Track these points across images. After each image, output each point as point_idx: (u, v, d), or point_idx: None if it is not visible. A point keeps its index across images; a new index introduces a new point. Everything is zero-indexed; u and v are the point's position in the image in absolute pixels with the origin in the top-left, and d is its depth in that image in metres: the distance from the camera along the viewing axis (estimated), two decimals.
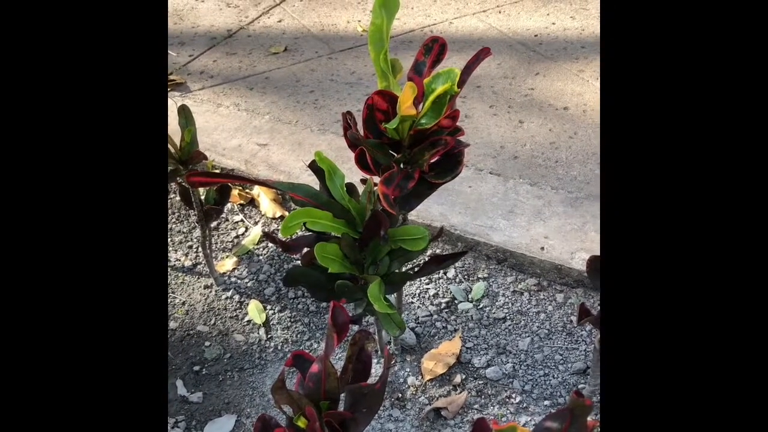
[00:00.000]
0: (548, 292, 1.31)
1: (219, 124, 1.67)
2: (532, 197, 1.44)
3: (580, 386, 1.18)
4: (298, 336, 1.27)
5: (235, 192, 1.50)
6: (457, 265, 1.36)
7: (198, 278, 1.38)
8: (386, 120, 0.94)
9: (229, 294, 1.34)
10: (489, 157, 1.54)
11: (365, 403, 0.79)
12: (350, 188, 1.00)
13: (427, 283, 1.34)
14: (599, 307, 1.02)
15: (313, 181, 1.05)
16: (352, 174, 1.04)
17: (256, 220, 1.48)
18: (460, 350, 1.22)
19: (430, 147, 0.94)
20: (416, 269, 1.06)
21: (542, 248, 1.33)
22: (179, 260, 1.41)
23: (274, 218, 1.47)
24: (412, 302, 1.31)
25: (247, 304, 1.32)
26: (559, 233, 1.36)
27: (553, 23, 1.96)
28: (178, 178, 1.18)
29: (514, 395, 1.17)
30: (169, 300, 1.34)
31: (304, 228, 0.95)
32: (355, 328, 1.18)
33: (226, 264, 1.39)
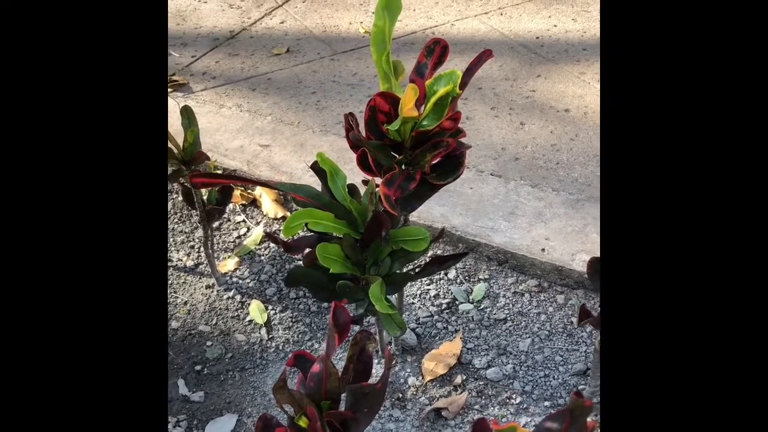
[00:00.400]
0: (549, 294, 1.32)
1: (221, 124, 1.67)
2: (533, 199, 1.44)
3: (580, 387, 1.18)
4: (300, 336, 1.28)
5: (237, 192, 1.50)
6: (458, 266, 1.36)
7: (200, 278, 1.38)
8: (388, 121, 0.95)
9: (230, 294, 1.35)
10: (490, 159, 1.55)
11: (366, 403, 0.79)
12: (352, 189, 1.00)
13: (428, 284, 1.35)
14: (599, 309, 1.02)
15: (314, 182, 1.06)
16: (354, 175, 1.05)
17: (258, 220, 1.48)
18: (461, 351, 1.23)
19: (431, 148, 0.95)
20: (417, 270, 1.06)
21: (543, 250, 1.34)
22: (181, 260, 1.41)
23: (275, 219, 1.48)
24: (413, 303, 1.32)
25: (249, 304, 1.33)
26: (560, 235, 1.36)
27: (555, 25, 1.96)
28: (180, 179, 1.19)
29: (514, 396, 1.17)
30: (170, 300, 1.35)
31: (305, 228, 0.96)
32: (356, 328, 1.19)
33: (227, 264, 1.40)
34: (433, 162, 0.97)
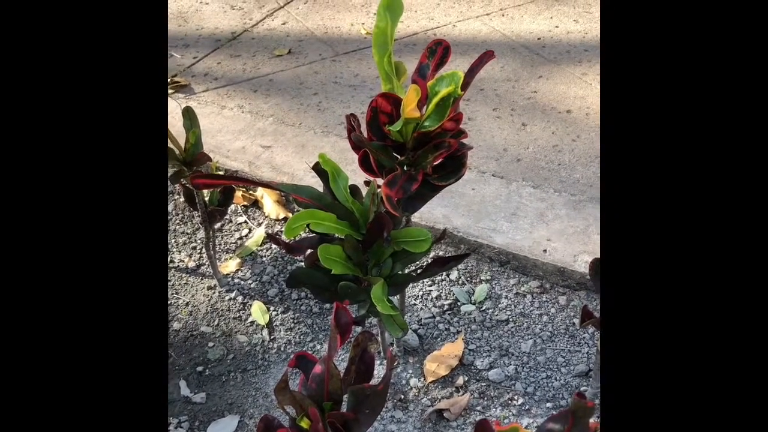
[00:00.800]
0: (551, 295, 1.32)
1: (223, 125, 1.67)
2: (535, 200, 1.44)
3: (582, 388, 1.18)
4: (301, 337, 1.28)
5: (238, 193, 1.50)
6: (459, 267, 1.36)
7: (201, 279, 1.38)
8: (390, 122, 0.95)
9: (232, 295, 1.35)
10: (492, 160, 1.55)
11: (368, 404, 0.79)
12: (354, 190, 1.00)
13: (430, 285, 1.34)
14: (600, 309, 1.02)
15: (316, 183, 1.06)
16: (356, 176, 1.05)
17: (260, 221, 1.48)
18: (463, 352, 1.23)
19: (433, 149, 0.95)
20: (419, 271, 1.06)
21: (545, 251, 1.34)
22: (183, 261, 1.42)
23: (277, 220, 1.48)
24: (415, 304, 1.32)
25: (251, 305, 1.33)
26: (561, 236, 1.36)
27: (557, 26, 1.96)
28: (182, 180, 1.19)
29: (516, 397, 1.17)
30: (172, 301, 1.35)
31: (307, 229, 0.96)
32: (358, 329, 1.18)
33: (229, 265, 1.40)
34: (435, 163, 0.97)
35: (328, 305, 1.32)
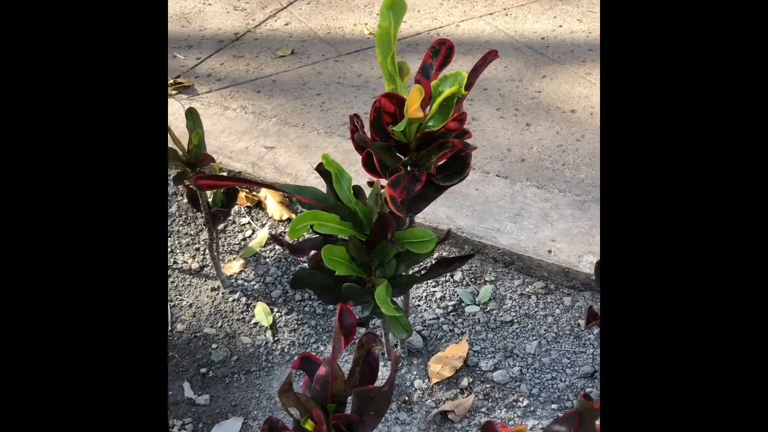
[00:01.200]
0: (556, 296, 1.31)
1: (226, 126, 1.67)
2: (539, 200, 1.44)
3: (587, 390, 1.17)
4: (305, 339, 1.27)
5: (242, 194, 1.50)
6: (464, 268, 1.36)
7: (205, 281, 1.38)
8: (393, 123, 0.94)
9: (236, 296, 1.35)
10: (496, 160, 1.54)
11: (372, 405, 0.79)
12: (357, 191, 1.00)
13: (434, 286, 1.34)
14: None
15: (319, 184, 1.05)
16: (359, 177, 1.04)
17: (263, 222, 1.48)
18: (467, 353, 1.22)
19: (437, 150, 0.94)
20: (423, 272, 1.06)
21: (549, 251, 1.33)
22: (186, 263, 1.41)
23: (281, 221, 1.48)
24: (419, 305, 1.31)
25: (254, 306, 1.32)
26: (566, 236, 1.35)
27: (561, 26, 1.95)
28: (185, 181, 1.19)
29: (521, 399, 1.17)
30: (176, 302, 1.35)
31: (311, 230, 0.95)
32: (362, 330, 1.18)
33: (233, 266, 1.39)
34: (439, 163, 0.96)
35: (331, 306, 1.31)
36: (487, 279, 1.34)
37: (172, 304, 1.34)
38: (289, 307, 1.32)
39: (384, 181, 0.95)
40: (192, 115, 1.17)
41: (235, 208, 1.50)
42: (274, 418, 0.81)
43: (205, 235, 1.45)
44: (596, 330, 1.25)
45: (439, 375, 1.19)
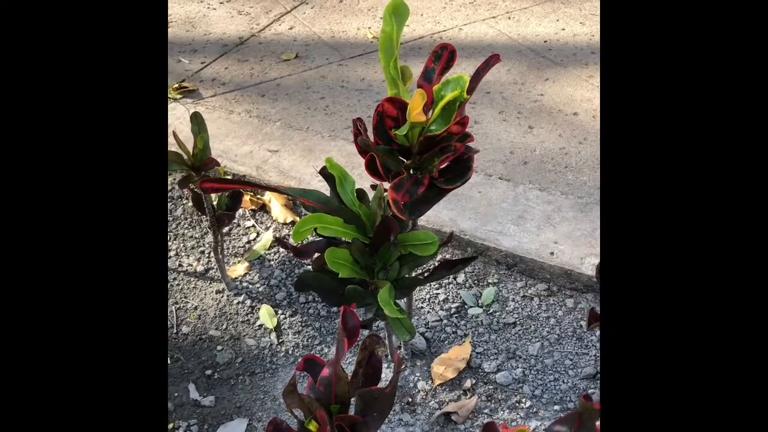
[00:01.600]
0: (558, 298, 1.32)
1: (231, 130, 1.68)
2: (541, 203, 1.44)
3: (590, 391, 1.18)
4: (309, 340, 1.28)
5: (246, 198, 1.51)
6: (467, 270, 1.36)
7: (210, 283, 1.39)
8: (396, 126, 0.95)
9: (240, 299, 1.36)
10: (499, 163, 1.55)
11: (376, 407, 0.80)
12: (360, 194, 1.01)
13: (437, 288, 1.35)
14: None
15: (323, 187, 1.06)
16: (362, 180, 1.05)
17: (268, 225, 1.49)
18: (470, 355, 1.23)
19: (439, 153, 0.95)
20: (426, 274, 1.06)
21: (552, 253, 1.34)
22: (191, 265, 1.42)
23: (285, 223, 1.49)
24: (422, 307, 1.32)
25: (259, 308, 1.33)
26: (569, 239, 1.36)
27: (563, 29, 1.96)
28: (191, 184, 1.20)
29: (524, 400, 1.17)
30: (181, 305, 1.36)
31: (315, 233, 0.96)
32: (366, 332, 1.19)
33: (237, 269, 1.40)
34: (441, 166, 0.97)
35: (335, 309, 1.32)
36: (489, 281, 1.35)
37: (178, 306, 1.35)
38: (294, 310, 1.33)
39: (387, 185, 0.96)
40: (197, 120, 1.19)
41: (240, 211, 1.51)
42: (278, 419, 0.82)
43: (210, 238, 1.46)
44: (598, 332, 1.26)
45: (442, 376, 1.20)
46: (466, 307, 1.31)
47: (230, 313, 1.34)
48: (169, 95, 1.80)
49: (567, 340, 1.25)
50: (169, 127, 1.66)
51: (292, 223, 1.48)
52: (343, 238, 0.98)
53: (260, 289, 1.37)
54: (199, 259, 1.43)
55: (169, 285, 1.39)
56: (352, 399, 0.81)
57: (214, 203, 1.25)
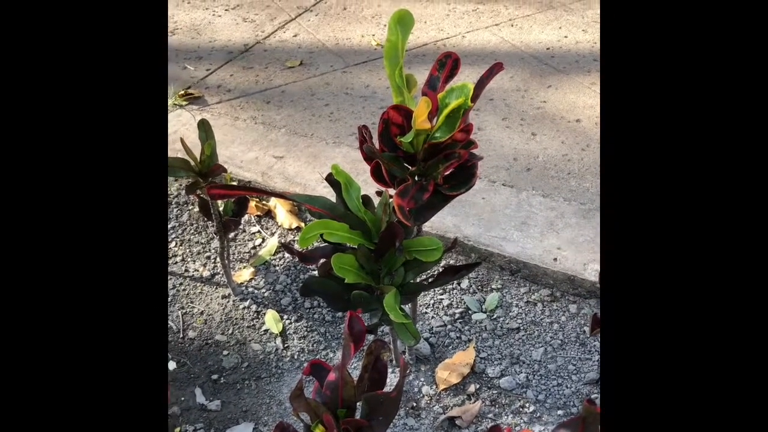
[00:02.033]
0: (561, 303, 1.33)
1: (236, 137, 1.70)
2: (545, 209, 1.46)
3: (593, 396, 1.19)
4: (315, 345, 1.29)
5: (252, 204, 1.53)
6: (470, 275, 1.37)
7: (216, 288, 1.40)
8: (401, 134, 0.97)
9: (246, 304, 1.37)
10: (502, 169, 1.56)
11: (382, 411, 0.80)
12: (366, 200, 1.02)
13: (441, 294, 1.36)
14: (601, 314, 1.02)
15: (328, 193, 1.07)
16: (367, 186, 1.06)
17: (273, 231, 1.50)
18: (474, 360, 1.24)
19: (444, 160, 0.96)
20: (431, 280, 1.08)
21: (555, 259, 1.35)
22: (197, 270, 1.44)
23: (290, 229, 1.50)
24: (426, 312, 1.33)
25: (264, 313, 1.34)
26: (572, 244, 1.37)
27: (566, 36, 1.97)
28: (197, 191, 1.21)
29: (527, 405, 1.18)
30: (187, 310, 1.37)
31: (320, 239, 0.97)
32: (370, 337, 1.20)
33: (243, 274, 1.42)
34: (446, 173, 0.98)
35: (340, 314, 1.33)
36: (493, 287, 1.36)
37: (184, 311, 1.37)
38: (299, 315, 1.34)
39: (392, 191, 0.98)
40: (204, 127, 1.20)
41: (245, 217, 1.52)
42: (285, 423, 0.83)
43: (215, 243, 1.47)
44: None
45: (446, 381, 1.21)
46: (470, 312, 1.32)
47: (236, 318, 1.35)
48: (174, 102, 1.81)
49: (570, 346, 1.26)
50: (176, 134, 1.67)
51: (297, 228, 1.50)
52: (349, 244, 0.99)
53: (266, 295, 1.38)
54: (205, 265, 1.45)
55: (175, 290, 1.41)
56: (358, 403, 0.82)
57: (221, 209, 1.27)
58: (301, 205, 1.48)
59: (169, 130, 1.68)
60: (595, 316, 1.05)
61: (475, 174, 1.00)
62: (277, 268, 1.43)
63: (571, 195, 1.49)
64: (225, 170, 1.20)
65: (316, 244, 1.03)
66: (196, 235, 1.51)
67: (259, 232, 1.51)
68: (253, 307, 1.36)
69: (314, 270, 1.39)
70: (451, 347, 1.27)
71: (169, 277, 1.42)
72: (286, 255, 1.44)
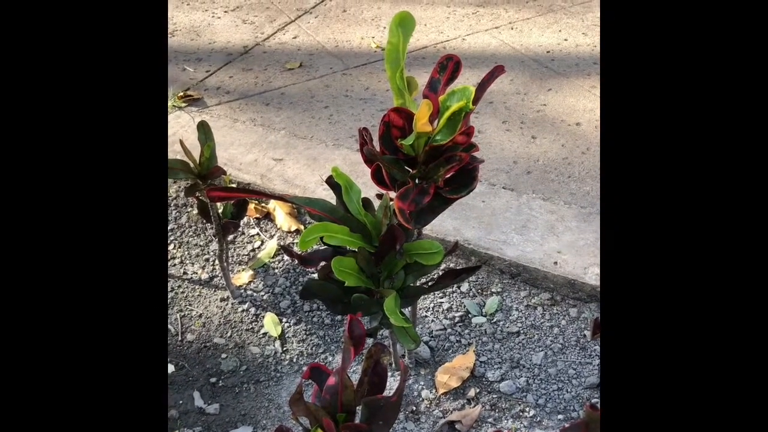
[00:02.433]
0: (561, 307, 1.32)
1: (235, 139, 1.69)
2: (545, 212, 1.45)
3: (593, 400, 1.18)
4: (314, 349, 1.28)
5: (251, 206, 1.52)
6: (470, 279, 1.37)
7: (214, 291, 1.39)
8: (402, 136, 0.96)
9: (245, 307, 1.36)
10: (502, 172, 1.56)
11: (382, 415, 0.80)
12: (366, 203, 1.02)
13: (441, 297, 1.35)
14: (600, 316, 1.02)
15: (327, 196, 1.07)
16: (366, 189, 1.06)
17: (272, 233, 1.50)
18: (474, 364, 1.23)
19: (445, 163, 0.96)
20: (431, 283, 1.07)
21: (555, 263, 1.34)
22: (196, 273, 1.43)
23: (289, 232, 1.49)
24: (426, 316, 1.32)
25: (263, 316, 1.34)
26: (572, 248, 1.37)
27: (566, 39, 1.97)
28: (196, 193, 1.20)
29: (527, 409, 1.18)
30: (185, 312, 1.36)
31: (320, 242, 0.97)
32: (369, 341, 1.19)
33: (242, 277, 1.41)
34: (447, 176, 0.98)
35: (339, 317, 1.33)
36: (493, 290, 1.35)
37: (182, 314, 1.36)
38: (298, 318, 1.34)
39: (393, 194, 0.97)
40: (203, 128, 1.19)
41: (244, 219, 1.52)
42: (284, 427, 0.82)
43: (214, 246, 1.47)
44: None
45: (446, 385, 1.20)
46: (470, 316, 1.32)
47: (235, 321, 1.34)
48: (174, 103, 1.81)
49: (570, 350, 1.26)
50: (175, 136, 1.67)
51: (297, 231, 1.49)
52: (349, 247, 0.98)
53: (264, 297, 1.37)
54: (203, 267, 1.44)
55: (173, 293, 1.40)
56: (358, 407, 0.81)
57: (220, 211, 1.26)
58: (300, 207, 1.47)
59: (168, 132, 1.68)
60: (596, 320, 1.05)
61: (476, 177, 1.00)
62: (276, 270, 1.42)
63: (572, 198, 1.48)
64: (224, 172, 1.20)
65: (315, 246, 1.03)
66: (195, 238, 1.50)
67: (258, 234, 1.50)
68: (252, 310, 1.35)
69: (313, 273, 1.39)
70: (450, 351, 1.27)
71: (167, 280, 1.41)
72: (285, 258, 1.44)
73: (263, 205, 1.54)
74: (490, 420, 1.16)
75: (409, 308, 1.19)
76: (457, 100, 0.94)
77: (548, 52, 1.93)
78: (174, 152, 1.52)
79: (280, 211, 1.51)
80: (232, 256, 1.46)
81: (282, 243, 1.47)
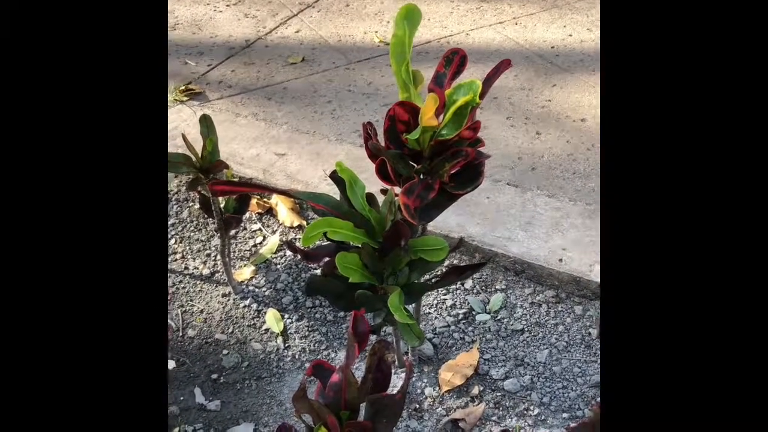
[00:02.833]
0: (566, 304, 1.31)
1: (237, 133, 1.68)
2: (550, 209, 1.44)
3: (599, 399, 1.17)
4: (316, 345, 1.27)
5: (253, 201, 1.51)
6: (474, 276, 1.36)
7: (216, 286, 1.38)
8: (407, 131, 0.95)
9: (247, 302, 1.35)
10: (506, 169, 1.54)
11: (386, 413, 0.79)
12: (370, 198, 1.00)
13: (445, 294, 1.34)
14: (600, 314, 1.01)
15: (330, 191, 1.06)
16: (370, 184, 1.05)
17: (274, 229, 1.49)
18: (478, 362, 1.22)
19: (450, 158, 0.95)
20: (435, 280, 1.06)
21: (560, 260, 1.33)
22: (197, 268, 1.42)
23: (291, 227, 1.48)
24: (430, 313, 1.31)
25: (265, 312, 1.33)
26: (577, 245, 1.35)
27: (570, 35, 1.96)
28: (198, 187, 1.19)
29: (532, 407, 1.16)
30: (187, 308, 1.35)
31: (324, 238, 0.96)
32: (373, 338, 1.18)
33: (244, 272, 1.40)
34: (452, 171, 0.97)
35: (341, 313, 1.31)
36: (497, 287, 1.34)
37: (184, 309, 1.35)
38: (300, 314, 1.32)
39: (397, 189, 0.96)
40: (206, 122, 1.18)
41: (246, 214, 1.50)
42: (287, 425, 0.81)
43: (216, 241, 1.46)
44: None
45: (449, 383, 1.19)
46: (473, 313, 1.31)
47: (236, 317, 1.33)
48: (175, 98, 1.79)
49: (575, 348, 1.24)
50: (176, 130, 1.66)
51: (299, 226, 1.48)
52: (353, 243, 0.97)
53: (266, 293, 1.36)
54: (205, 262, 1.43)
55: (175, 288, 1.39)
56: (362, 405, 0.80)
57: (222, 206, 1.25)
58: (302, 203, 1.46)
59: (170, 126, 1.66)
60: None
61: (482, 173, 0.98)
62: (278, 266, 1.41)
63: (577, 195, 1.47)
64: (227, 166, 1.18)
65: (318, 242, 1.02)
66: (197, 233, 1.49)
67: (260, 229, 1.49)
68: (254, 305, 1.34)
69: (316, 269, 1.38)
70: (454, 348, 1.25)
71: (168, 275, 1.40)
72: (288, 253, 1.42)
73: (266, 200, 1.53)
74: (494, 418, 1.15)
75: (413, 305, 1.18)
76: (463, 94, 0.93)
77: (553, 47, 1.91)
78: (175, 146, 1.51)
79: (282, 207, 1.50)
80: (234, 252, 1.44)
81: (284, 238, 1.46)
